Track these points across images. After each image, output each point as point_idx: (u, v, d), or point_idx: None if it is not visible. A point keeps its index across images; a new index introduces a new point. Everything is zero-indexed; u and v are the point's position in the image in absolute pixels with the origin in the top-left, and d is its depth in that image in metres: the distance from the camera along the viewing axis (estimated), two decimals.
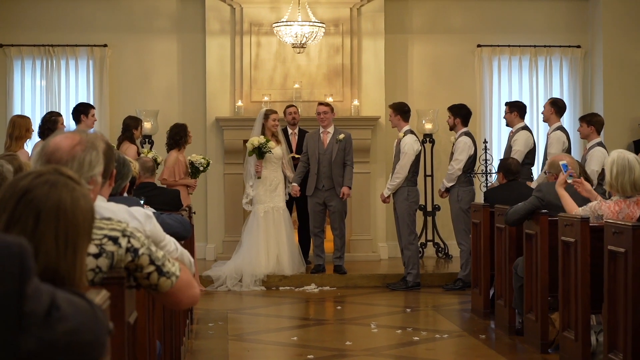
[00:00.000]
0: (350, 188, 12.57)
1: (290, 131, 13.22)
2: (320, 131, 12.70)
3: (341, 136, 12.57)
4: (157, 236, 4.11)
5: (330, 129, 12.67)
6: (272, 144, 12.48)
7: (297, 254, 12.66)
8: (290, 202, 13.04)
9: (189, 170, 12.18)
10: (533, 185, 10.85)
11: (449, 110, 12.33)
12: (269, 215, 12.53)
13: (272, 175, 12.63)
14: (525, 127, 12.15)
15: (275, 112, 12.71)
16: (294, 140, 13.25)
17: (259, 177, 12.61)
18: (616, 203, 7.26)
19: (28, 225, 2.43)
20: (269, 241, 12.44)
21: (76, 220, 2.49)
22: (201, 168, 12.23)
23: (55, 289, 2.14)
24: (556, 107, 11.93)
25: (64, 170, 2.60)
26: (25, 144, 10.67)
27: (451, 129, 12.40)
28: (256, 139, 12.44)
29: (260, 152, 12.46)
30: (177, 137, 12.04)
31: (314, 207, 12.66)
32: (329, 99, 13.84)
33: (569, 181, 7.87)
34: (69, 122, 12.21)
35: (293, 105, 13.40)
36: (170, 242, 4.20)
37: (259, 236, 12.44)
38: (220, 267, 12.54)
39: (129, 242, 3.40)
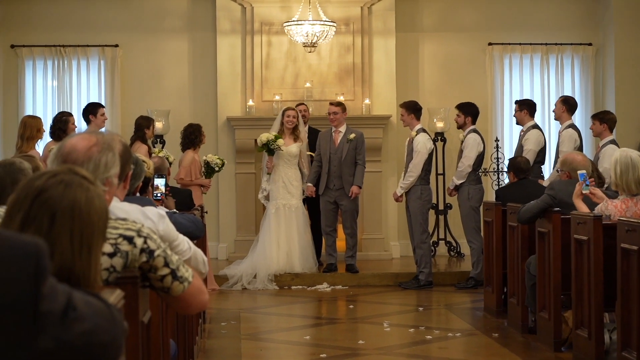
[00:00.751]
0: (360, 187, 12.57)
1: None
2: (332, 130, 12.67)
3: (352, 135, 12.54)
4: (170, 236, 4.11)
5: (342, 129, 12.63)
6: (281, 141, 12.43)
7: (309, 253, 12.62)
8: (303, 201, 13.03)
9: (203, 170, 12.20)
10: (545, 183, 10.83)
11: (459, 108, 12.31)
12: (280, 212, 12.51)
13: (288, 172, 12.62)
14: (536, 126, 12.13)
15: (292, 109, 12.71)
16: (305, 139, 13.11)
17: (268, 174, 12.65)
18: (623, 202, 7.26)
19: (43, 225, 2.44)
20: (279, 238, 12.45)
21: (91, 220, 2.50)
22: (216, 168, 12.26)
23: (72, 290, 2.15)
24: (568, 105, 11.91)
25: (79, 170, 2.61)
26: (36, 145, 10.68)
27: (460, 127, 12.36)
28: (265, 136, 12.46)
29: (268, 149, 12.48)
30: (192, 136, 12.06)
31: (326, 206, 12.64)
32: (340, 98, 13.82)
33: (585, 192, 7.83)
34: (80, 123, 12.22)
35: (303, 104, 13.38)
36: (184, 242, 4.20)
37: (271, 233, 12.45)
38: (237, 265, 12.55)
39: (145, 242, 3.40)
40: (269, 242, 12.44)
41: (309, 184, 12.63)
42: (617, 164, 7.23)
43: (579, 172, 7.96)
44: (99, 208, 2.54)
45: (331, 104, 12.81)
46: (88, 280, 2.47)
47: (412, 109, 12.28)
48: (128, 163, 3.83)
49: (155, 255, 3.42)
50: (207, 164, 12.22)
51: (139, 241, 3.38)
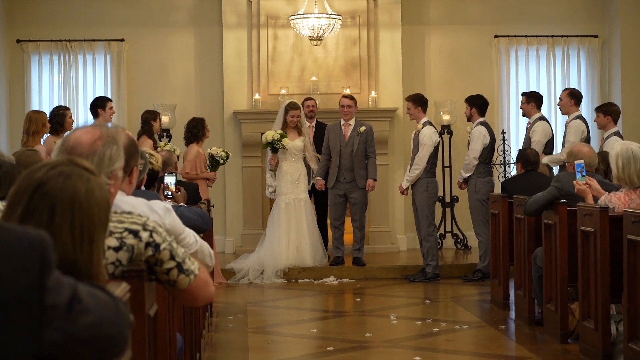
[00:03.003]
0: (375, 180, 12.63)
1: (307, 124, 13.18)
2: (342, 123, 12.69)
3: (362, 129, 12.58)
4: (176, 229, 4.10)
5: (352, 122, 12.67)
6: (286, 140, 12.51)
7: (319, 246, 12.68)
8: (309, 195, 13.04)
9: (208, 164, 12.21)
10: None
11: (466, 101, 12.31)
12: (290, 206, 12.55)
13: (293, 167, 12.66)
14: (543, 118, 12.13)
15: (296, 108, 12.66)
16: (311, 133, 13.17)
17: (271, 170, 12.73)
18: (626, 194, 7.26)
19: (43, 218, 2.43)
20: (289, 232, 12.48)
21: (91, 211, 2.49)
22: (221, 161, 12.27)
23: (77, 282, 2.15)
24: (574, 97, 11.91)
25: (79, 161, 2.60)
26: (42, 139, 10.69)
27: (468, 119, 12.38)
28: (270, 134, 12.53)
29: (273, 147, 12.56)
30: (195, 130, 12.07)
31: (335, 199, 12.68)
32: (347, 91, 13.84)
33: (582, 183, 7.82)
34: (86, 117, 12.23)
35: (311, 99, 13.39)
36: (190, 235, 4.20)
37: (280, 228, 12.46)
38: (244, 259, 12.59)
39: (150, 236, 3.40)
40: (278, 237, 12.45)
41: (319, 178, 12.67)
42: (618, 157, 7.22)
43: (576, 162, 7.96)
44: (99, 199, 2.53)
45: (345, 97, 12.85)
46: (90, 272, 2.46)
47: (419, 101, 12.28)
48: (134, 157, 3.83)
49: (161, 249, 3.42)
50: (211, 157, 12.24)
51: (144, 235, 3.38)
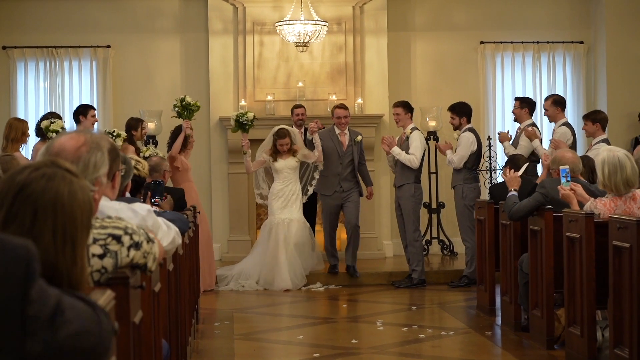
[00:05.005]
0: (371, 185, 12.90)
1: (296, 131, 13.12)
2: (337, 132, 12.56)
3: (358, 138, 12.55)
4: (158, 228, 4.19)
5: (347, 130, 12.59)
6: (250, 114, 12.56)
7: (298, 269, 12.21)
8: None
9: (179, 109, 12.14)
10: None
11: (452, 111, 12.30)
12: (280, 227, 12.22)
13: (287, 188, 12.39)
14: (533, 124, 12.15)
15: (285, 137, 12.28)
16: (300, 139, 12.87)
17: (244, 153, 12.46)
18: (612, 200, 7.26)
19: (26, 221, 2.40)
20: (270, 254, 12.15)
21: (74, 214, 2.46)
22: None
23: (62, 293, 2.14)
24: (560, 104, 11.94)
25: (62, 162, 2.57)
26: (20, 148, 10.70)
27: (456, 128, 12.34)
28: (235, 113, 12.75)
29: (240, 125, 12.58)
30: (169, 140, 12.02)
31: (332, 209, 12.55)
32: (333, 98, 13.84)
33: (566, 188, 7.84)
34: (71, 124, 12.21)
35: (301, 106, 13.30)
36: (171, 232, 4.36)
37: (264, 247, 12.26)
38: (229, 269, 12.53)
39: (131, 238, 3.43)
40: (260, 256, 12.30)
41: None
42: (604, 164, 7.21)
43: (561, 167, 7.97)
44: (82, 202, 2.50)
45: (339, 107, 12.66)
46: (74, 276, 2.43)
47: (408, 107, 12.34)
48: (116, 162, 3.85)
49: (140, 243, 3.51)
50: (182, 101, 12.16)
51: (126, 239, 3.41)
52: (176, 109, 12.17)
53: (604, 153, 7.33)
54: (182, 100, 12.14)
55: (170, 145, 12.03)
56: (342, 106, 12.66)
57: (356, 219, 12.47)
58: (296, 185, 12.46)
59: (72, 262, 2.44)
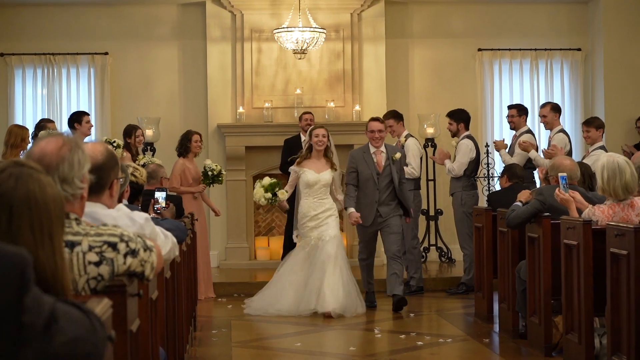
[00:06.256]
0: (411, 214, 11.11)
1: (303, 138, 13.01)
2: (372, 151, 10.77)
3: (397, 155, 10.81)
4: (156, 237, 4.19)
5: (383, 147, 10.83)
6: (282, 193, 10.95)
7: (353, 291, 10.73)
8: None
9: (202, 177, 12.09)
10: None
11: (451, 117, 12.29)
12: (314, 249, 10.73)
13: (318, 204, 10.84)
14: (529, 131, 12.16)
15: (321, 127, 11.08)
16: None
17: (285, 212, 11.52)
18: (610, 207, 7.27)
19: (2, 222, 2.42)
20: (306, 280, 10.67)
21: (48, 208, 2.49)
22: (210, 173, 12.06)
23: (56, 301, 2.14)
24: (557, 111, 11.95)
25: (24, 161, 2.60)
26: (20, 154, 10.72)
27: (454, 135, 12.33)
28: (259, 193, 11.03)
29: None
30: (180, 144, 12.00)
31: (370, 237, 10.94)
32: (331, 105, 13.85)
33: (565, 194, 7.83)
34: (67, 132, 12.21)
35: (309, 112, 13.25)
36: (168, 242, 4.36)
37: (297, 275, 10.72)
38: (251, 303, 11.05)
39: (127, 245, 3.44)
40: (292, 285, 10.72)
41: (352, 210, 10.63)
42: (604, 169, 7.23)
43: (559, 174, 7.98)
44: (53, 195, 2.52)
45: (374, 120, 10.99)
46: (55, 269, 2.45)
47: (398, 116, 12.31)
48: (114, 170, 3.87)
49: (137, 250, 3.51)
50: (204, 169, 12.11)
51: (122, 246, 3.43)
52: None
53: (604, 158, 7.35)
54: (204, 168, 12.05)
55: (178, 150, 12.00)
56: (377, 119, 11.03)
57: (397, 248, 10.76)
58: (329, 199, 10.89)
59: (52, 255, 2.47)
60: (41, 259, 2.44)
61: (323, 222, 10.72)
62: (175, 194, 11.13)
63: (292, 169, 10.97)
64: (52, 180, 2.60)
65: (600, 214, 7.24)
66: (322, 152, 10.83)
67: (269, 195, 10.91)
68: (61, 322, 2.11)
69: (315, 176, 10.76)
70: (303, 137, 12.65)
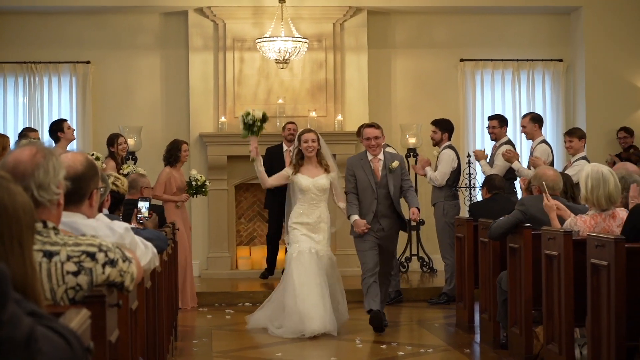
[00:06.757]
0: (419, 210, 10.37)
1: (285, 147, 13.03)
2: (369, 158, 10.18)
3: (394, 164, 10.13)
4: (136, 247, 4.18)
5: (381, 155, 10.19)
6: (258, 113, 10.11)
7: (338, 309, 10.20)
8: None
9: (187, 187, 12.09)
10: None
11: (436, 125, 12.30)
12: (304, 256, 9.95)
13: (311, 210, 10.11)
14: (510, 142, 12.19)
15: (310, 131, 10.35)
16: (287, 158, 12.49)
17: (252, 160, 10.17)
18: (592, 217, 7.28)
19: None
20: (309, 288, 9.88)
21: (17, 214, 2.45)
22: (194, 184, 12.05)
23: (35, 323, 2.12)
24: (538, 121, 11.96)
25: None
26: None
27: (436, 144, 12.33)
28: (241, 113, 10.40)
29: (248, 127, 10.21)
30: (168, 153, 12.00)
31: (368, 249, 10.10)
32: (313, 114, 13.85)
33: (551, 199, 7.85)
34: (49, 142, 12.18)
35: (293, 123, 13.27)
36: (141, 246, 4.33)
37: (294, 283, 9.85)
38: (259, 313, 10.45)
39: (106, 255, 3.43)
40: (291, 295, 9.88)
41: (356, 217, 10.02)
42: (588, 178, 7.24)
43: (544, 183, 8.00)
44: (23, 203, 2.49)
45: (369, 126, 10.35)
46: (25, 278, 2.43)
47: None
48: (94, 180, 3.87)
49: (116, 261, 3.50)
50: (189, 179, 12.10)
51: (100, 256, 3.42)
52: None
53: (588, 168, 7.36)
54: (189, 178, 12.04)
55: (166, 158, 12.00)
56: (373, 125, 10.37)
57: (389, 266, 10.36)
58: (326, 210, 10.18)
59: (22, 263, 2.43)
60: (11, 268, 2.41)
61: (314, 232, 10.00)
62: (158, 203, 11.13)
63: (287, 169, 10.27)
64: (23, 190, 2.57)
65: (582, 224, 7.25)
66: (314, 158, 10.09)
67: (259, 124, 10.08)
68: (40, 343, 2.09)
69: (308, 181, 10.01)
70: (285, 147, 12.75)
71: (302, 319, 9.63)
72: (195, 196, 12.17)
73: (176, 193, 11.83)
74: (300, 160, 10.12)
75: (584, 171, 7.40)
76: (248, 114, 10.16)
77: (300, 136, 10.19)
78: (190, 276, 11.99)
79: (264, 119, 10.20)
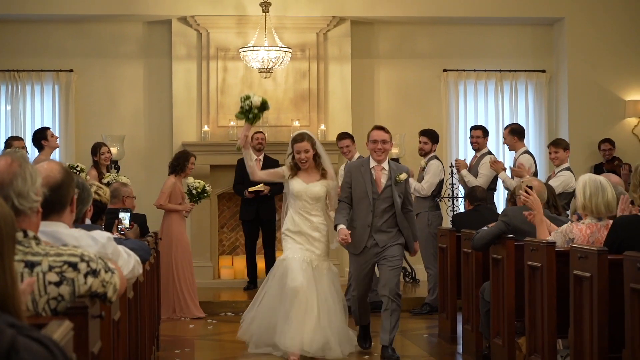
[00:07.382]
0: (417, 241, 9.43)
1: (254, 157, 12.92)
2: (371, 165, 9.09)
3: (402, 176, 9.03)
4: (118, 257, 4.17)
5: (386, 164, 9.10)
6: (257, 99, 9.37)
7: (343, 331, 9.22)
8: (256, 223, 12.96)
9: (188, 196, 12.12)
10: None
11: (427, 136, 12.27)
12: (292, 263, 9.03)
13: (307, 220, 9.18)
14: (490, 152, 12.22)
15: (302, 140, 9.18)
16: (258, 166, 12.30)
17: (238, 149, 9.47)
18: (588, 226, 7.25)
19: None
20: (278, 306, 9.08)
21: None
22: (194, 192, 12.07)
23: (16, 334, 2.11)
24: (517, 133, 11.95)
25: None
26: None
27: (426, 154, 12.29)
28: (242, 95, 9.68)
29: (244, 113, 9.48)
30: (176, 163, 11.99)
31: (363, 270, 9.17)
32: (296, 124, 13.83)
33: (532, 195, 7.85)
34: (33, 149, 12.15)
35: (260, 132, 13.30)
36: (131, 261, 4.31)
37: (276, 291, 9.09)
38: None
39: (88, 265, 3.42)
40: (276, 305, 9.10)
41: (342, 227, 8.89)
42: (586, 186, 7.20)
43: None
44: (3, 214, 2.49)
45: (378, 128, 9.22)
46: (5, 288, 2.41)
47: (352, 137, 12.30)
48: (72, 186, 3.88)
49: (98, 271, 3.49)
50: (188, 188, 12.12)
51: (82, 266, 3.41)
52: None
53: (585, 176, 7.34)
54: (188, 187, 12.10)
55: (172, 167, 11.99)
56: (382, 128, 9.22)
57: (396, 285, 9.01)
58: (321, 218, 9.24)
59: (2, 274, 2.42)
60: None
61: (312, 241, 9.11)
62: (141, 212, 11.10)
63: (285, 169, 9.29)
64: (3, 200, 2.56)
65: (578, 232, 7.23)
66: (311, 163, 9.13)
67: (255, 111, 9.37)
68: (22, 355, 2.08)
69: (302, 186, 9.08)
70: (255, 157, 11.76)
71: (269, 330, 9.00)
72: (198, 202, 12.26)
73: (182, 202, 11.91)
74: (296, 171, 9.17)
75: (580, 179, 7.38)
76: (248, 97, 9.41)
77: (293, 145, 9.18)
78: (194, 285, 12.00)
79: (263, 107, 9.40)
